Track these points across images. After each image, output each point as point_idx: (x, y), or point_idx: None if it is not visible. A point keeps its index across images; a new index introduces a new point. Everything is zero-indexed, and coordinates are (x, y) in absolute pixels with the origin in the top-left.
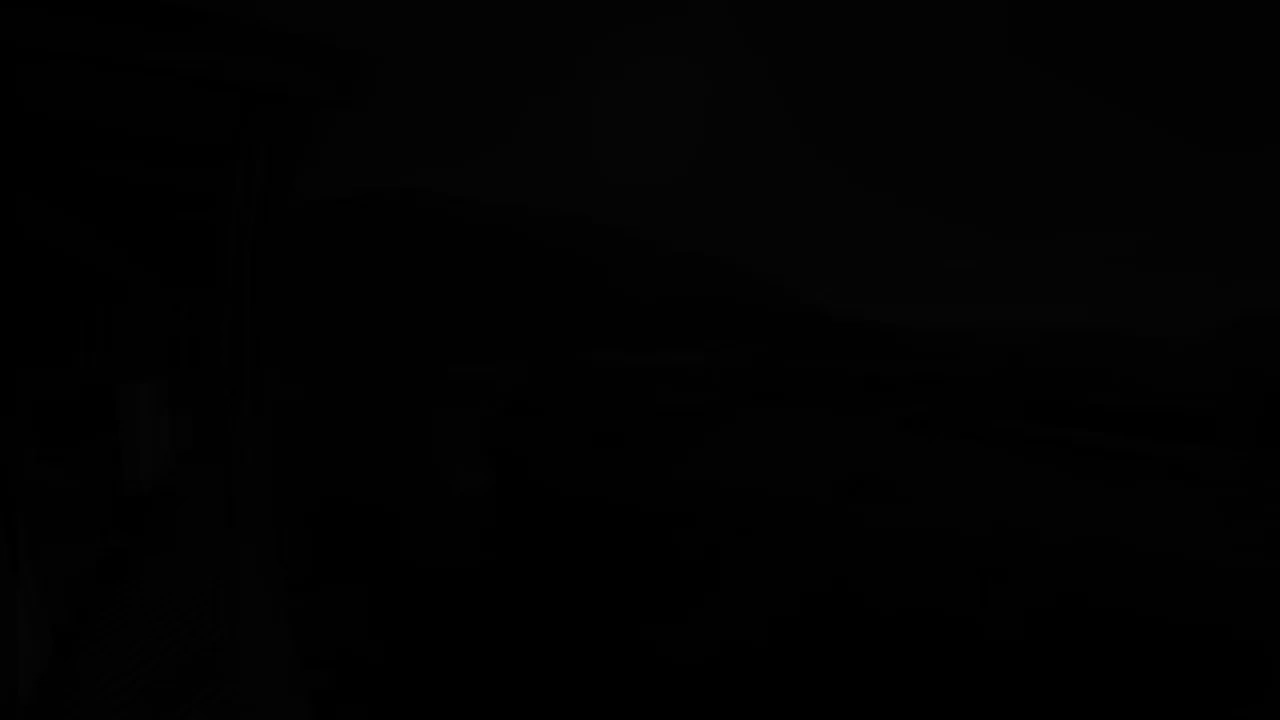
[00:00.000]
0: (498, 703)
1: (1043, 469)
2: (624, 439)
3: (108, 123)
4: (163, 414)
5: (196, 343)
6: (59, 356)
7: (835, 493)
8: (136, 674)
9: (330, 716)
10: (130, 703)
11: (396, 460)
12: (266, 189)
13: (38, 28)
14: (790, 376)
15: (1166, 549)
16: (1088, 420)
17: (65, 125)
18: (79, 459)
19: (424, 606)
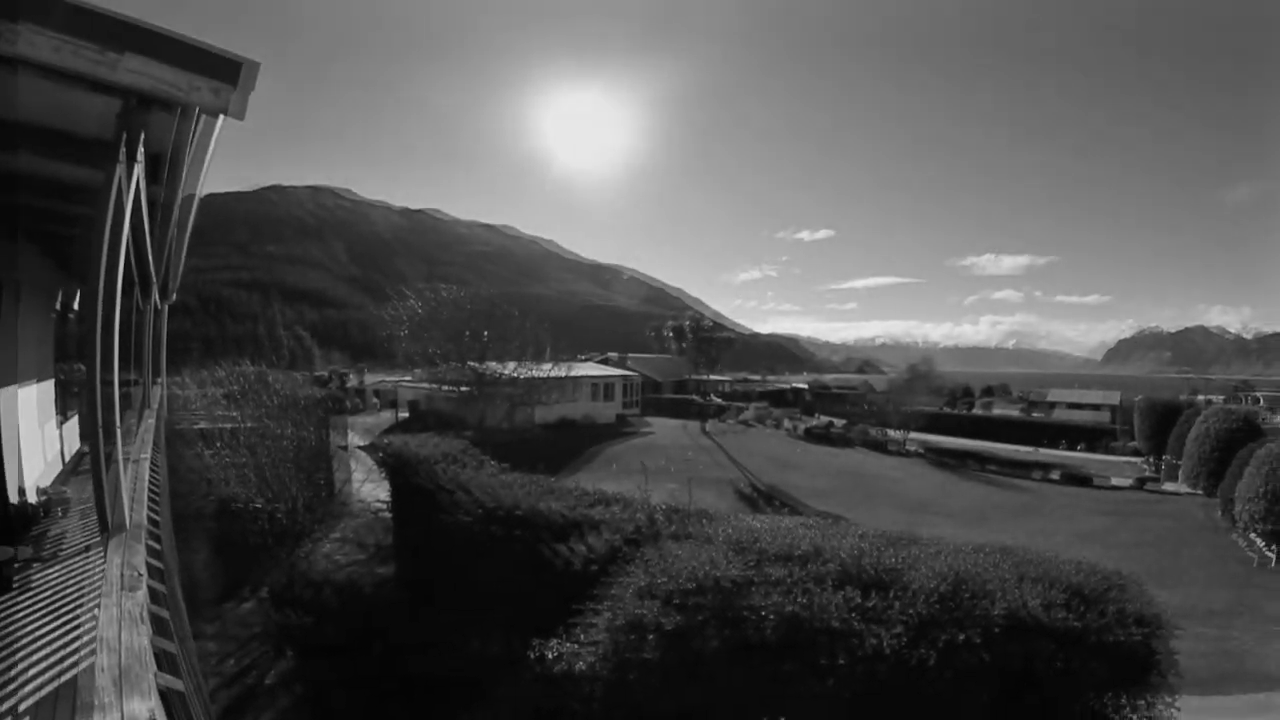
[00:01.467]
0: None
1: (938, 476)
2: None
3: None
4: (50, 420)
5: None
6: None
7: None
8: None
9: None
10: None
11: (296, 468)
12: (150, 186)
13: None
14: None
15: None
16: (985, 431)
17: None
18: None
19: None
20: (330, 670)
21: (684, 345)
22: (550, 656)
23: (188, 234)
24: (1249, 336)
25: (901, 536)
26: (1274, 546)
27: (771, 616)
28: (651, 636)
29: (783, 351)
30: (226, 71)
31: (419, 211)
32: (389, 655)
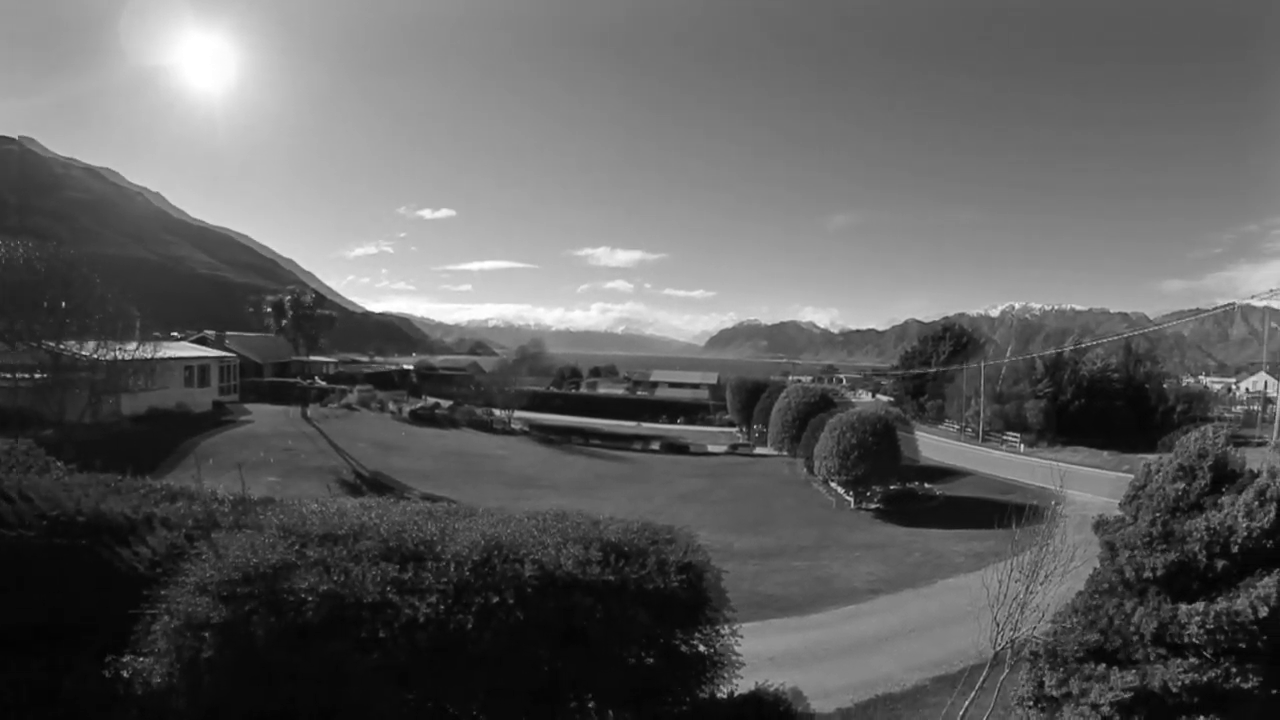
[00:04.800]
0: None
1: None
2: None
3: None
4: None
5: None
6: None
7: None
8: None
9: None
10: None
11: None
12: None
13: None
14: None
15: None
16: (592, 409)
17: None
18: None
19: None
20: None
21: (284, 323)
22: (126, 675)
23: None
24: (835, 331)
25: (457, 510)
26: (850, 492)
27: (311, 598)
28: (207, 634)
29: (395, 332)
30: None
31: (8, 140)
32: None
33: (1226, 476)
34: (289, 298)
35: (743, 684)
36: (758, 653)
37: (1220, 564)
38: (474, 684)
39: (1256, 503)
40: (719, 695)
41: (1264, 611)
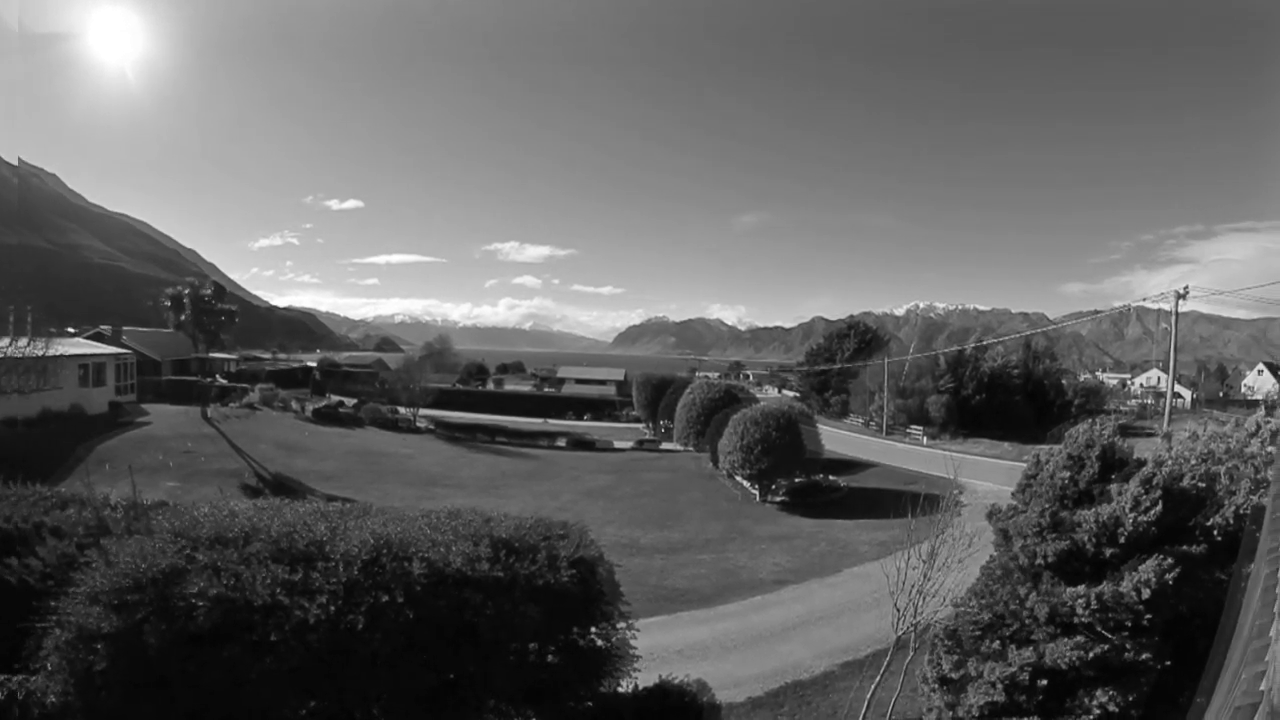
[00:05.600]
0: None
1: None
2: None
3: None
4: None
5: None
6: None
7: None
8: None
9: None
10: None
11: None
12: None
13: None
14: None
15: None
16: (499, 406)
17: None
18: None
19: None
20: None
21: (184, 318)
22: (20, 695)
23: None
24: (743, 328)
25: (350, 509)
26: (755, 486)
27: (202, 603)
28: (100, 645)
29: (300, 327)
30: None
31: None
32: None
33: (1115, 465)
34: (189, 290)
35: (653, 677)
36: (667, 646)
37: (1109, 551)
38: (370, 685)
39: (1143, 492)
40: (622, 690)
41: (1146, 594)
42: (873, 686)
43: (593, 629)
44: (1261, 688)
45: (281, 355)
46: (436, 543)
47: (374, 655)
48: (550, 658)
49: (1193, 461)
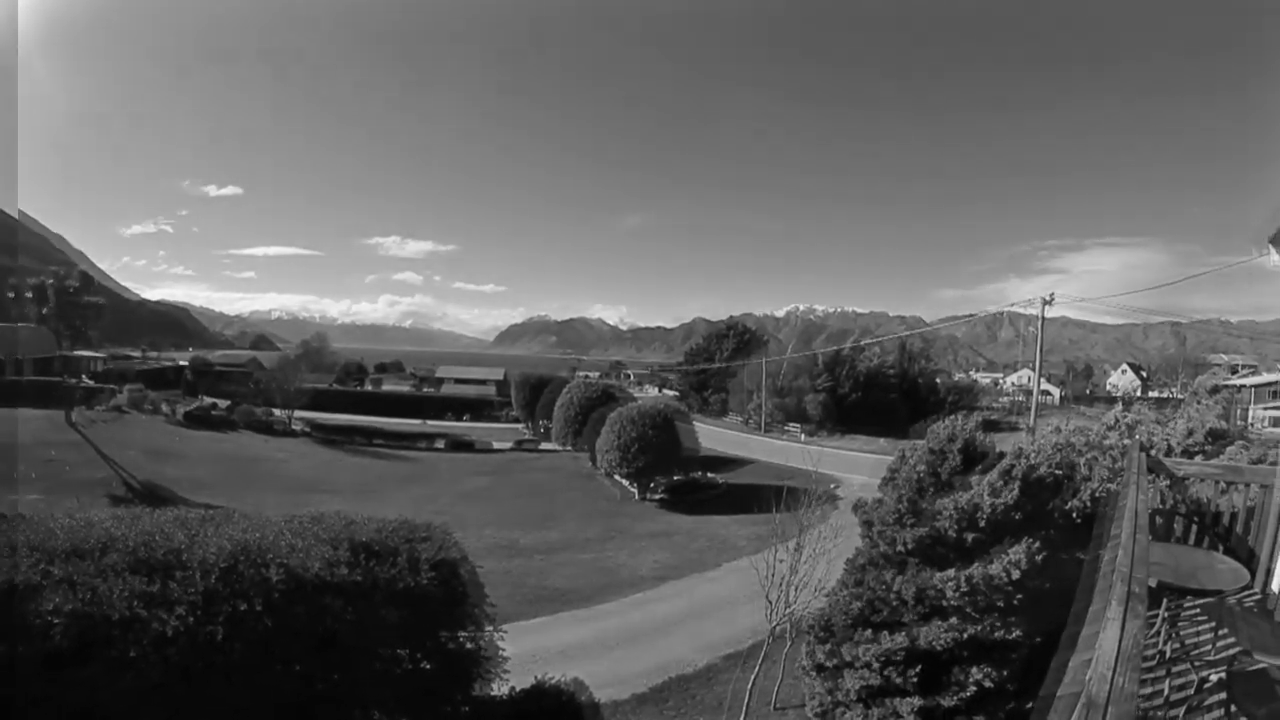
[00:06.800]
0: None
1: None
2: None
3: None
4: None
5: None
6: None
7: None
8: None
9: None
10: None
11: None
12: None
13: None
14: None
15: None
16: (376, 407)
17: None
18: None
19: None
20: None
21: (46, 311)
22: None
23: None
24: (624, 328)
25: (211, 516)
26: (634, 484)
27: (58, 620)
28: None
29: (173, 323)
30: None
31: None
32: None
33: (976, 457)
34: (52, 281)
35: (532, 680)
36: (548, 647)
37: (970, 536)
38: (232, 698)
39: (1001, 482)
40: (498, 694)
41: (1016, 575)
42: (752, 677)
43: (461, 632)
44: (1085, 676)
45: (152, 354)
46: (296, 548)
47: (234, 667)
48: (424, 663)
49: (1049, 451)
